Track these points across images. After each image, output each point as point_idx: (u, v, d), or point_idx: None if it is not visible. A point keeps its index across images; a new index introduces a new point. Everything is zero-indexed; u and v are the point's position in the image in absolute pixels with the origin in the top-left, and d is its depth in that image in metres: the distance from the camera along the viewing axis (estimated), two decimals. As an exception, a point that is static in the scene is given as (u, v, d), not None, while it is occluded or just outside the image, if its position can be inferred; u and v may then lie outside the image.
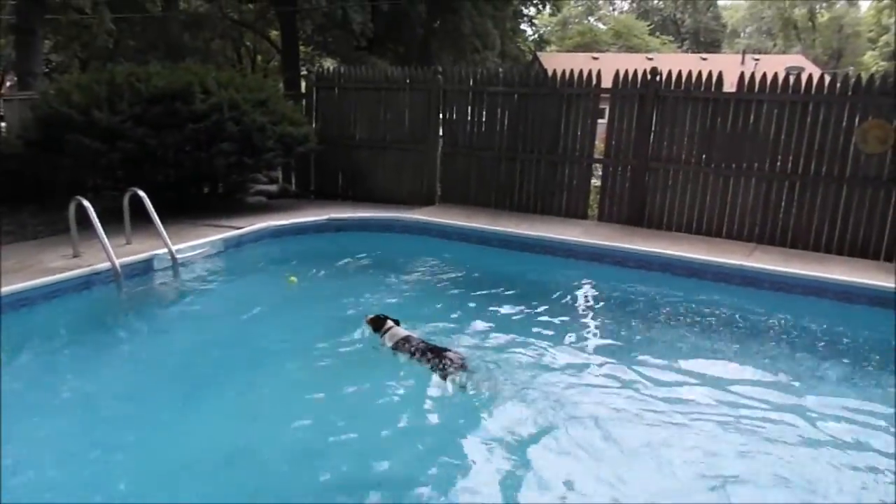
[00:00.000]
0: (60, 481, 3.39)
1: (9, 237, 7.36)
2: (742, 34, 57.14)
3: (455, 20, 23.05)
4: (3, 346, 4.77)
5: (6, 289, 5.27)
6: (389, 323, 4.84)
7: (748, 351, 5.25)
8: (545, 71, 9.45)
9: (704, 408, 4.23)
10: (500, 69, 11.70)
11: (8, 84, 27.16)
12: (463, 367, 4.34)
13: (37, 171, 8.62)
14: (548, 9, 34.75)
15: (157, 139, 7.57)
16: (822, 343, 5.48)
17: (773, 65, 26.15)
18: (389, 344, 4.68)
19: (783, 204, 7.85)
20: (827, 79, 7.63)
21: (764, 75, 7.81)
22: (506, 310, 5.87)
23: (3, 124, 9.41)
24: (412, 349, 4.54)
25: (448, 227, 8.31)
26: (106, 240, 5.79)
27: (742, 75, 7.94)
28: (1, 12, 20.09)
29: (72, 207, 6.05)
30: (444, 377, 4.25)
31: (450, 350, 4.52)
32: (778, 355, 5.18)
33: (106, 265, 5.86)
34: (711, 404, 4.28)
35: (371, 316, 4.98)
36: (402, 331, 4.77)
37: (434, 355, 4.42)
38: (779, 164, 7.82)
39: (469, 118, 9.50)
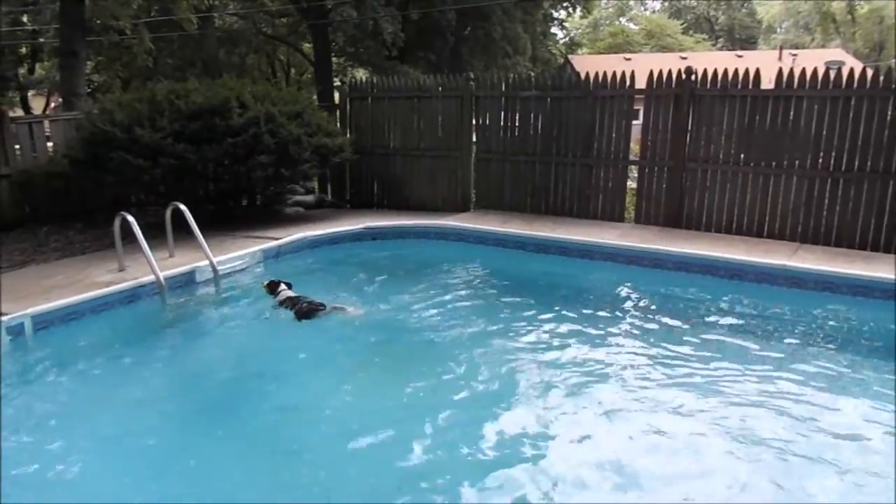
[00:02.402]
0: (112, 484, 3.49)
1: (57, 253, 7.61)
2: (778, 29, 56.04)
3: (485, 26, 23.13)
4: (56, 357, 4.96)
5: (57, 303, 5.46)
6: (282, 286, 5.98)
7: (797, 350, 5.14)
8: (577, 74, 9.40)
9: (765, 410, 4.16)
10: (532, 73, 11.69)
11: (53, 105, 28.09)
12: (322, 308, 5.63)
13: (82, 189, 8.88)
14: (578, 11, 34.58)
15: (196, 154, 7.73)
16: (876, 343, 5.35)
17: (812, 60, 25.52)
18: (279, 301, 5.85)
19: (826, 202, 7.65)
20: (869, 72, 7.44)
21: (803, 70, 7.65)
22: (546, 314, 5.85)
23: (50, 144, 9.70)
24: (292, 303, 5.73)
25: (484, 233, 8.31)
26: (150, 253, 5.93)
27: (780, 71, 7.79)
28: (45, 36, 20.82)
29: (117, 223, 6.21)
30: (308, 313, 5.58)
31: (315, 301, 5.71)
32: (828, 356, 5.06)
33: (150, 278, 6.01)
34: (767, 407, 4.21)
35: (266, 282, 6.13)
36: (289, 292, 5.91)
37: (307, 304, 5.67)
38: (821, 160, 7.64)
39: (502, 123, 9.50)
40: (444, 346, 5.28)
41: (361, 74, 27.08)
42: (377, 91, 10.24)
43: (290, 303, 5.78)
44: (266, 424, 4.15)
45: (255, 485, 3.50)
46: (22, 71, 26.94)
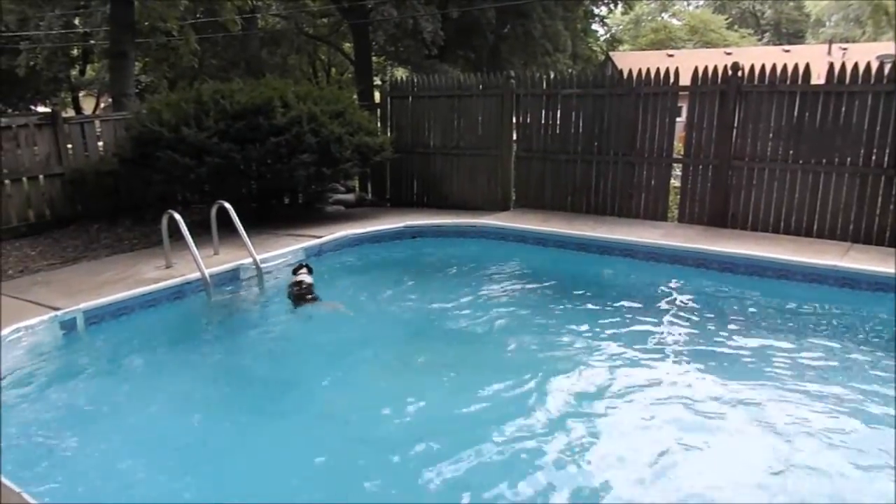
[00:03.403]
0: (156, 473, 3.59)
1: (107, 250, 7.83)
2: (827, 23, 54.33)
3: (525, 24, 22.94)
4: (107, 350, 5.11)
5: (108, 298, 5.62)
6: (302, 270, 6.32)
7: (850, 354, 5.00)
8: (620, 71, 9.27)
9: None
10: (573, 71, 11.58)
11: (103, 105, 28.87)
12: (312, 298, 5.96)
13: (131, 187, 9.12)
14: (619, 7, 34.10)
15: (241, 153, 7.85)
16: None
17: (863, 54, 24.66)
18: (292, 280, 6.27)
19: (879, 200, 7.41)
20: (925, 66, 7.18)
21: (855, 65, 7.42)
22: (589, 314, 5.82)
23: (101, 143, 9.97)
24: (294, 286, 6.13)
25: (524, 232, 8.27)
26: (196, 251, 6.05)
27: (831, 66, 7.56)
28: (95, 38, 21.41)
29: (164, 220, 6.36)
30: (298, 300, 5.95)
31: (312, 294, 6.02)
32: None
33: (196, 275, 6.14)
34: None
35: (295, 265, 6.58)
36: (304, 277, 6.19)
37: (300, 289, 6.04)
38: (874, 157, 7.40)
39: (543, 121, 9.43)
40: (477, 342, 5.33)
41: (401, 73, 27.20)
42: (417, 90, 10.26)
43: (294, 287, 6.11)
44: (308, 422, 4.21)
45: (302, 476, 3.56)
46: (74, 72, 27.74)
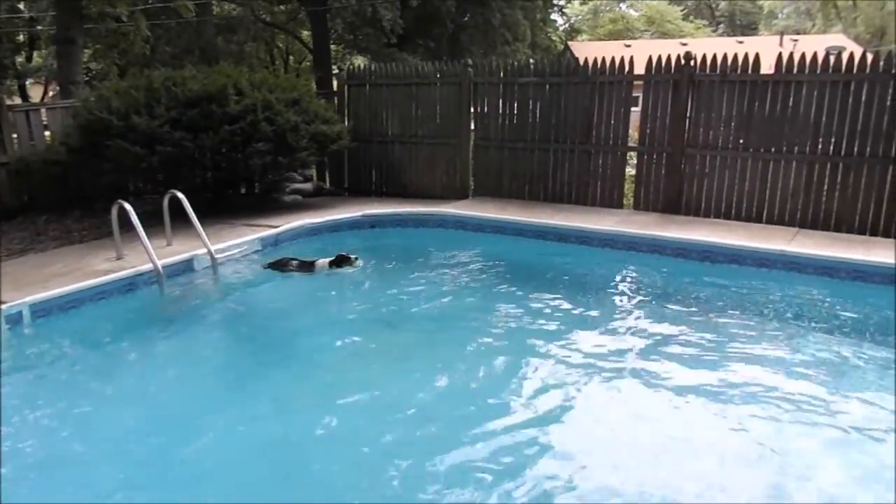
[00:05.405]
0: (108, 471, 3.51)
1: (55, 242, 7.60)
2: (779, 15, 55.60)
3: (485, 13, 22.95)
4: (54, 345, 4.98)
5: (56, 291, 5.47)
6: (326, 259, 6.67)
7: (795, 337, 5.15)
8: (577, 60, 9.34)
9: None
10: (531, 59, 11.61)
11: (51, 94, 27.98)
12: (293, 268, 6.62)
13: (80, 177, 8.86)
14: (578, -3, 34.36)
15: (194, 142, 7.69)
16: (872, 328, 5.35)
17: (813, 45, 25.26)
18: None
19: (826, 186, 7.64)
20: (869, 57, 7.40)
21: (803, 55, 7.61)
22: (544, 301, 5.87)
23: (48, 133, 9.66)
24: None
25: (482, 220, 8.30)
26: (147, 242, 5.93)
27: (780, 56, 7.74)
28: (42, 24, 20.70)
29: (114, 211, 6.19)
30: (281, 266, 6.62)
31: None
32: (825, 341, 5.07)
33: (148, 266, 6.01)
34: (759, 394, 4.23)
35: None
36: (320, 261, 6.63)
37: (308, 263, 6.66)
38: (820, 145, 7.62)
39: (500, 110, 9.46)
40: (434, 328, 5.33)
41: (360, 62, 26.95)
42: (375, 78, 10.19)
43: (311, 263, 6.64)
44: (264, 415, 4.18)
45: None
46: (20, 59, 26.81)
